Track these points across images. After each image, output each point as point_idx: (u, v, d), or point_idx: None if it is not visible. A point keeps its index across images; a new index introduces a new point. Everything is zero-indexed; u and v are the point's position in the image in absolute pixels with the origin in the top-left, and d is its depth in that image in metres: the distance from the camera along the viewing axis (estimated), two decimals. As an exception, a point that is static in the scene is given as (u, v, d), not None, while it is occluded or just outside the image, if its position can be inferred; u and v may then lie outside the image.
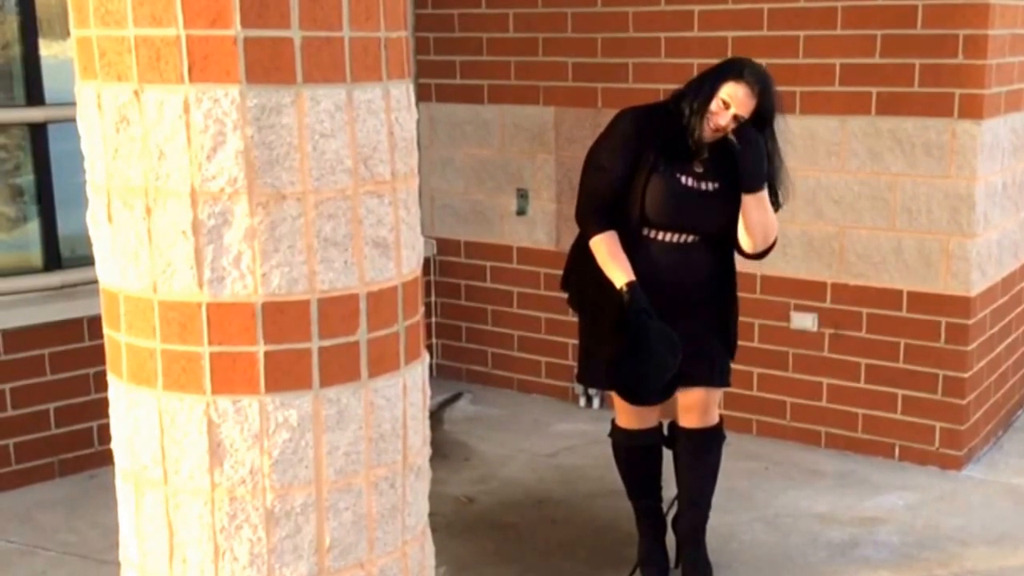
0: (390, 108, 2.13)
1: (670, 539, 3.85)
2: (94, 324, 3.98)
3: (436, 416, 5.35)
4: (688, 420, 3.67)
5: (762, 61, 3.65)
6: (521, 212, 5.66)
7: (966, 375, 4.67)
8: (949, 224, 4.58)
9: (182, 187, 2.00)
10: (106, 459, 2.71)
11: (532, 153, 5.59)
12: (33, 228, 4.82)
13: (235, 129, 1.97)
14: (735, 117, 3.40)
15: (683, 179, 3.50)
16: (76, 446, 4.73)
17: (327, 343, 2.10)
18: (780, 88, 3.63)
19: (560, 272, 3.87)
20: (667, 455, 3.79)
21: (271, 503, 2.10)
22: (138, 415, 2.14)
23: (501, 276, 5.79)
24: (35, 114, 4.70)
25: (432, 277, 5.95)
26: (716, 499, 3.78)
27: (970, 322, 4.63)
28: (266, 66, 1.97)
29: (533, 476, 4.75)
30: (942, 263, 4.62)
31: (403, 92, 2.18)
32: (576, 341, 3.89)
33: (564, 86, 5.43)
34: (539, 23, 5.44)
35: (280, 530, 2.12)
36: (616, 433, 3.81)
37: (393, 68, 2.14)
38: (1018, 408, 5.46)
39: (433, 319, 6.01)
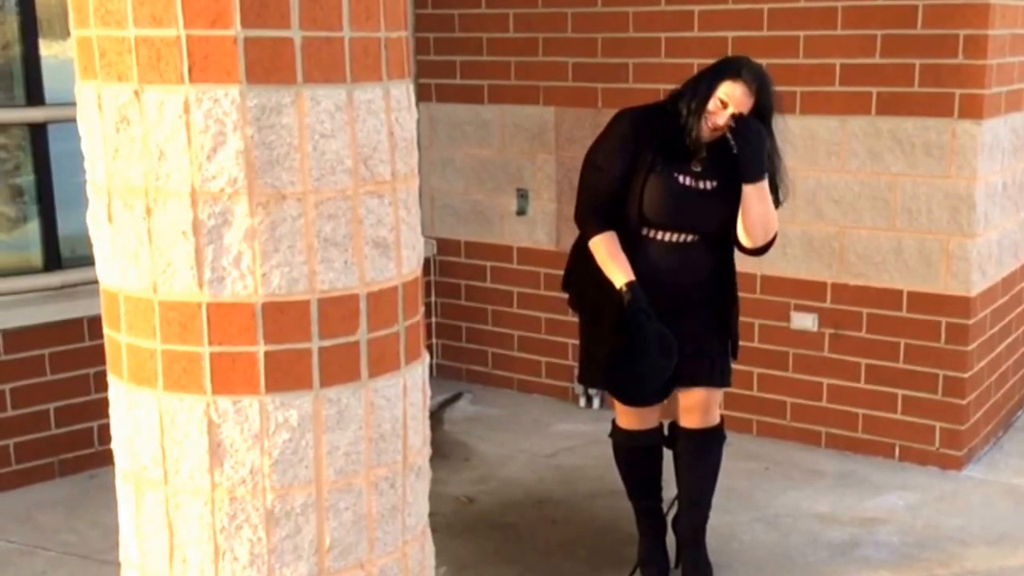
0: (390, 108, 2.13)
1: (670, 539, 3.85)
2: (94, 324, 3.98)
3: (436, 416, 5.35)
4: (689, 420, 3.67)
5: (762, 61, 3.66)
6: (521, 212, 5.66)
7: (966, 375, 4.67)
8: (949, 224, 4.58)
9: (182, 187, 2.00)
10: (106, 459, 2.71)
11: (532, 153, 5.59)
12: (33, 228, 4.82)
13: (235, 129, 1.97)
14: (732, 115, 3.40)
15: (681, 178, 3.50)
16: (76, 446, 4.73)
17: (327, 343, 2.10)
18: (780, 88, 3.63)
19: (560, 272, 3.87)
20: (667, 455, 3.79)
21: (271, 503, 2.10)
22: (138, 415, 2.14)
23: (501, 276, 5.79)
24: (35, 114, 4.70)
25: (432, 277, 5.95)
26: (716, 499, 3.78)
27: (970, 322, 4.63)
28: (266, 66, 1.97)
29: (533, 476, 4.75)
30: (942, 263, 4.62)
31: (403, 92, 2.18)
32: (576, 341, 3.89)
33: (564, 86, 5.43)
34: (539, 23, 5.44)
35: (280, 530, 2.12)
36: (616, 433, 3.81)
37: (393, 68, 2.14)
38: (1018, 408, 5.46)
39: (433, 319, 6.01)
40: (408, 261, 2.21)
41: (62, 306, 4.65)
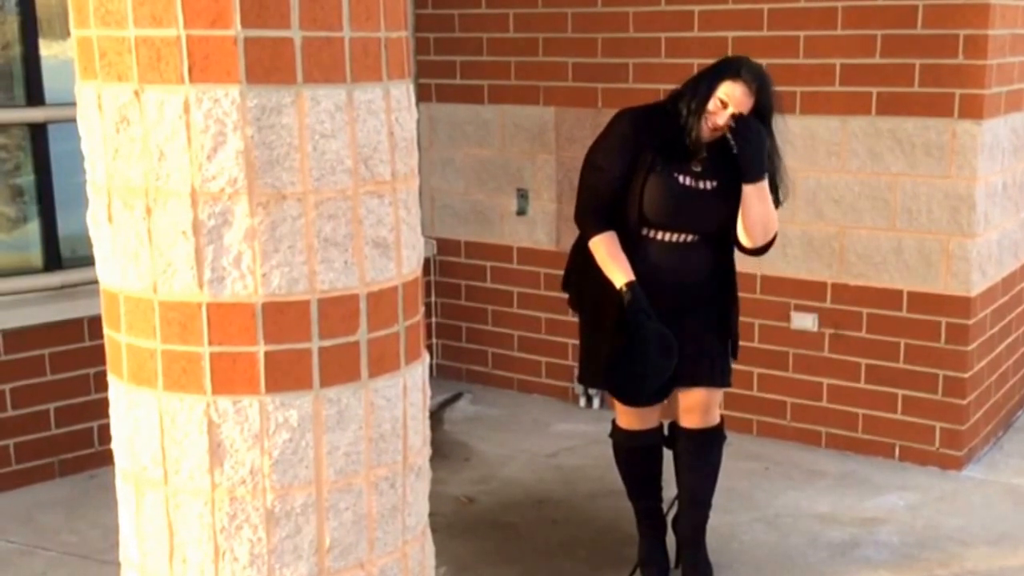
0: (390, 108, 2.13)
1: (670, 539, 3.85)
2: (94, 324, 3.98)
3: (436, 416, 5.35)
4: (689, 420, 3.67)
5: (762, 61, 3.66)
6: (521, 212, 5.66)
7: (966, 375, 4.67)
8: (949, 224, 4.58)
9: (182, 187, 2.00)
10: (106, 459, 2.71)
11: (532, 153, 5.59)
12: (33, 228, 4.82)
13: (235, 129, 1.97)
14: (732, 115, 3.40)
15: (681, 178, 3.50)
16: (76, 446, 4.73)
17: (327, 343, 2.10)
18: (780, 88, 3.63)
19: (560, 272, 3.87)
20: (667, 455, 3.79)
21: (271, 503, 2.10)
22: (138, 415, 2.14)
23: (501, 276, 5.79)
24: (35, 114, 4.70)
25: (432, 277, 5.95)
26: (716, 499, 3.78)
27: (970, 322, 4.63)
28: (266, 66, 1.97)
29: (533, 476, 4.75)
30: (942, 263, 4.62)
31: (403, 92, 2.18)
32: (576, 341, 3.89)
33: (564, 86, 5.43)
34: (539, 23, 5.44)
35: (280, 530, 2.12)
36: (616, 434, 3.81)
37: (393, 68, 2.14)
38: (1018, 408, 5.46)
39: (433, 319, 6.01)
40: (408, 261, 2.21)
41: (62, 306, 4.65)
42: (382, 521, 2.22)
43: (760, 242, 3.55)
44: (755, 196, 3.45)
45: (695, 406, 3.65)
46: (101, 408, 2.60)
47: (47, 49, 4.74)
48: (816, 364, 4.95)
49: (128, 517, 2.23)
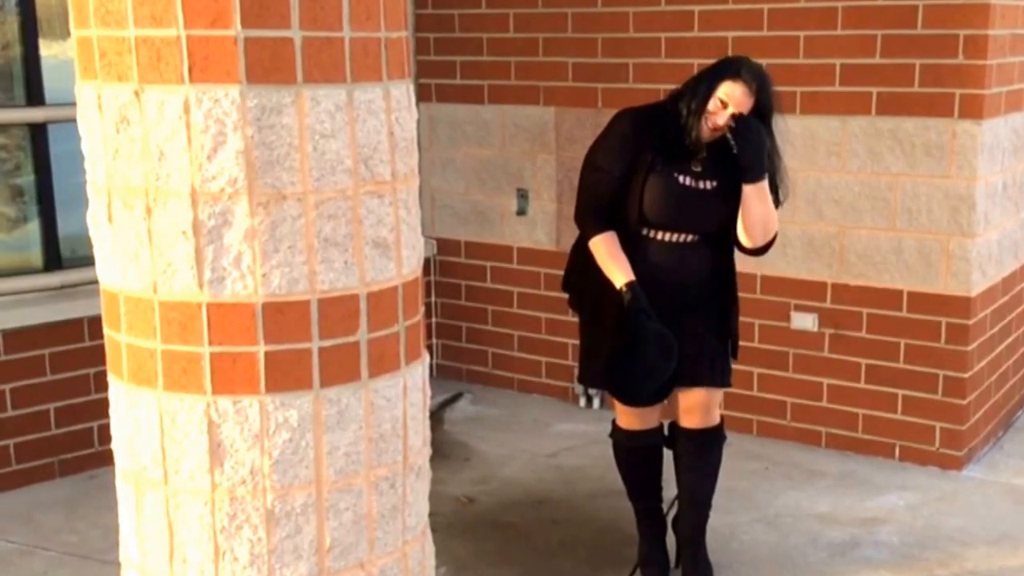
0: (390, 108, 2.13)
1: (670, 539, 3.85)
2: (94, 324, 3.98)
3: (436, 416, 5.35)
4: (689, 421, 3.67)
5: (762, 61, 3.66)
6: (521, 212, 5.66)
7: (966, 375, 4.67)
8: (949, 224, 4.58)
9: (182, 187, 2.00)
10: (106, 459, 2.71)
11: (532, 153, 5.59)
12: (33, 228, 4.82)
13: (235, 129, 1.97)
14: (732, 115, 3.40)
15: (681, 178, 3.50)
16: (76, 446, 4.73)
17: (327, 343, 2.09)
18: (780, 88, 3.63)
19: (560, 272, 3.87)
20: (667, 455, 3.79)
21: (271, 503, 2.10)
22: (138, 415, 2.14)
23: (501, 276, 5.79)
24: (35, 114, 4.70)
25: (432, 277, 5.95)
26: (716, 499, 3.78)
27: (970, 322, 4.63)
28: (266, 66, 1.97)
29: (533, 476, 4.75)
30: (942, 263, 4.62)
31: (403, 92, 2.18)
32: (576, 341, 3.89)
33: (564, 86, 5.43)
34: (539, 23, 5.44)
35: (280, 530, 2.12)
36: (617, 434, 3.81)
37: (393, 68, 2.14)
38: (1018, 408, 5.46)
39: (433, 319, 6.01)
40: (408, 261, 2.21)
41: (62, 306, 4.65)
42: (382, 521, 2.22)
43: (760, 242, 3.55)
44: (755, 196, 3.45)
45: (695, 406, 3.64)
46: (101, 408, 2.60)
47: (47, 49, 4.74)
48: (816, 364, 4.95)
49: (128, 517, 2.23)
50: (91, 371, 4.65)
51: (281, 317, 2.05)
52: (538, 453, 5.00)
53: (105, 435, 2.74)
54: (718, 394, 3.70)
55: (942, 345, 4.67)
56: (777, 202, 3.56)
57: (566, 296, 3.85)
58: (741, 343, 3.79)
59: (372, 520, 2.20)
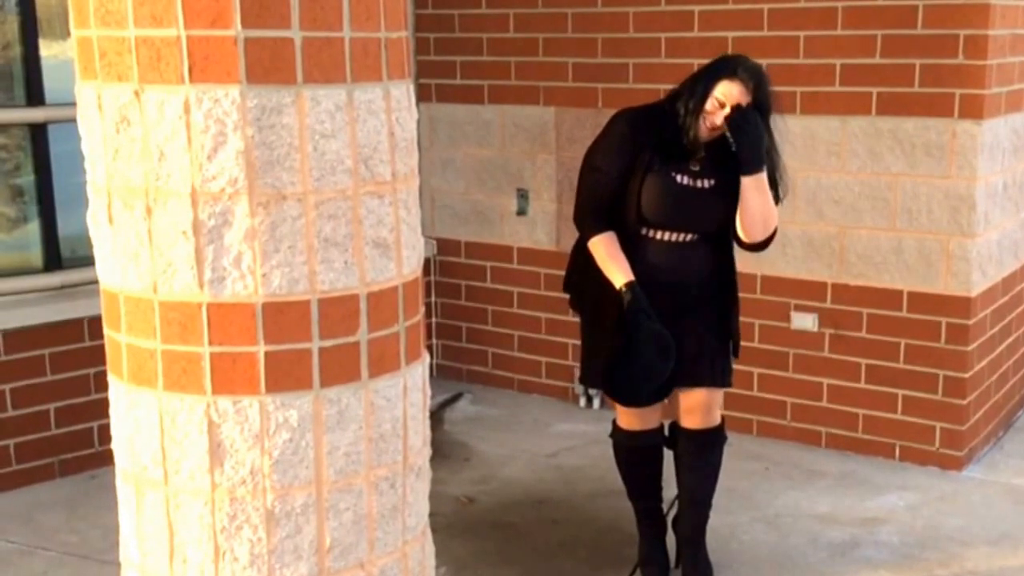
0: (390, 108, 2.13)
1: (670, 539, 3.85)
2: (94, 324, 3.98)
3: (436, 416, 5.35)
4: (690, 421, 3.67)
5: (762, 61, 3.65)
6: (521, 212, 5.66)
7: (966, 375, 4.67)
8: (949, 224, 4.58)
9: (182, 187, 2.00)
10: (106, 459, 2.71)
11: (532, 153, 5.59)
12: (33, 228, 4.82)
13: (235, 129, 1.97)
14: (732, 106, 3.39)
15: (679, 178, 3.50)
16: (76, 446, 4.73)
17: (327, 343, 2.10)
18: (780, 88, 3.63)
19: (560, 272, 3.87)
20: (667, 455, 3.79)
21: (271, 503, 2.10)
22: (138, 415, 2.14)
23: (501, 276, 5.79)
24: (35, 114, 4.70)
25: (432, 277, 5.95)
26: (716, 499, 3.78)
27: (970, 322, 4.63)
28: (266, 66, 1.97)
29: (533, 476, 4.75)
30: (942, 263, 4.62)
31: (403, 92, 2.18)
32: (576, 341, 3.89)
33: (564, 86, 5.43)
34: (539, 23, 5.44)
35: (280, 530, 2.12)
36: (617, 434, 3.81)
37: (393, 68, 2.14)
38: (1018, 408, 5.46)
39: (433, 319, 6.01)
40: (408, 261, 2.21)
41: (62, 306, 4.65)
42: (382, 521, 2.22)
43: (760, 237, 3.54)
44: (753, 188, 3.44)
45: (696, 406, 3.64)
46: (101, 408, 2.60)
47: (47, 49, 4.74)
48: (816, 364, 4.95)
49: (128, 517, 2.23)
50: (91, 371, 4.65)
51: (281, 317, 2.05)
52: (538, 453, 5.00)
53: (105, 435, 2.74)
54: (719, 394, 3.69)
55: (942, 345, 4.67)
56: (776, 199, 3.56)
57: (567, 296, 3.85)
58: (741, 343, 3.79)
59: (372, 520, 2.20)
